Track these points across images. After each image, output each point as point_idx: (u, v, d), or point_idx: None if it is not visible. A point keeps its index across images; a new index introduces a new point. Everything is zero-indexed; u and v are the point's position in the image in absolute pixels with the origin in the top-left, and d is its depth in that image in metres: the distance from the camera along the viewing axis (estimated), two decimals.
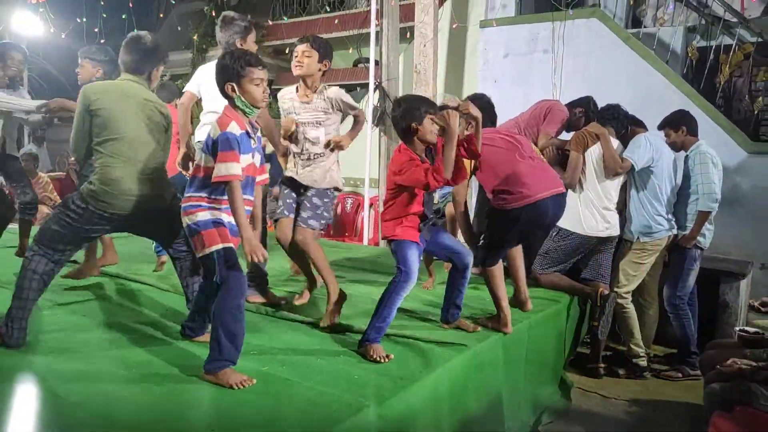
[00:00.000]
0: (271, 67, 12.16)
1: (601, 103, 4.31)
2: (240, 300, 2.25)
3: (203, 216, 2.30)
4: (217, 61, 2.41)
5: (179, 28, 10.08)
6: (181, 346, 2.61)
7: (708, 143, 4.09)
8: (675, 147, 4.14)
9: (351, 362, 2.49)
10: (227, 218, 2.32)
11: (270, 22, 10.42)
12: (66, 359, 2.38)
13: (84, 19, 8.35)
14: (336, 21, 9.09)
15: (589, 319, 3.97)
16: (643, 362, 4.03)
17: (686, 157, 4.10)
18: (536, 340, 3.34)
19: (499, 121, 4.38)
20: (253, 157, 2.36)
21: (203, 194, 2.32)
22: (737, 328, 3.40)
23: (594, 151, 3.92)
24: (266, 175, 2.56)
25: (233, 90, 2.30)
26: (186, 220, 2.32)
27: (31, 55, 10.07)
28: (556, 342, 3.69)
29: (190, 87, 3.63)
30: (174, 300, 3.31)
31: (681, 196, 4.13)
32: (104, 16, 8.45)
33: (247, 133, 2.31)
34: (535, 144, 4.34)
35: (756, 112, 5.53)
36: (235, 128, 2.24)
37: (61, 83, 10.61)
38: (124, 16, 8.45)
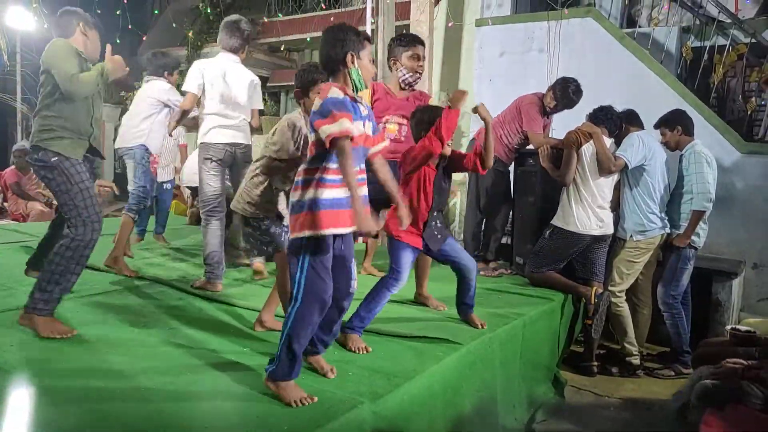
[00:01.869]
0: (266, 65, 12.14)
1: (595, 104, 4.31)
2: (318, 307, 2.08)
3: (328, 194, 2.08)
4: (326, 31, 2.23)
5: (174, 25, 10.03)
6: (180, 342, 2.60)
7: (701, 143, 4.11)
8: (670, 146, 4.16)
9: (345, 360, 2.49)
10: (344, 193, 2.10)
11: (265, 20, 10.40)
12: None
13: None
14: (332, 18, 9.07)
15: (583, 317, 3.98)
16: (636, 361, 4.05)
17: (681, 156, 4.12)
18: (530, 338, 3.35)
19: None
20: (364, 125, 2.18)
21: (320, 166, 2.10)
22: (729, 327, 3.43)
23: (588, 150, 3.94)
24: (385, 143, 2.37)
25: (352, 61, 2.16)
26: (296, 195, 2.12)
27: (24, 51, 10.03)
28: (550, 340, 3.70)
29: (191, 87, 3.58)
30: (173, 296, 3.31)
31: (675, 195, 4.15)
32: (98, 12, 8.39)
33: (354, 99, 2.17)
34: (520, 139, 4.38)
35: (749, 113, 5.55)
36: (336, 92, 2.08)
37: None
38: (118, 12, 8.40)
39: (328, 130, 2.01)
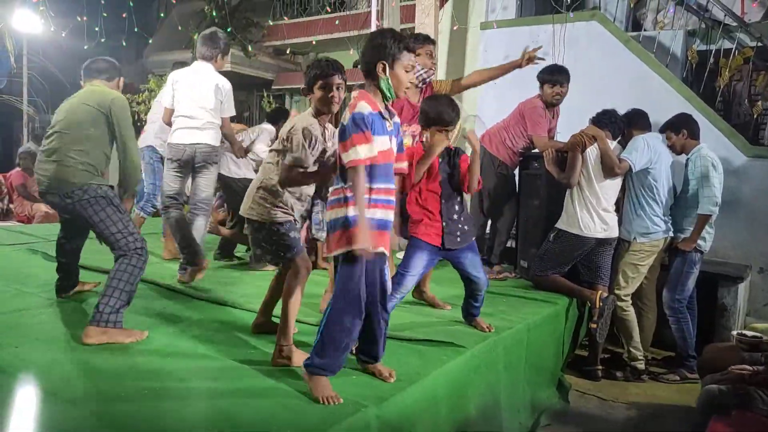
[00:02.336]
0: (270, 68, 12.17)
1: (600, 108, 4.30)
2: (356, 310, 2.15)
3: (350, 212, 2.11)
4: (371, 36, 2.27)
5: (180, 28, 10.08)
6: (183, 343, 2.60)
7: (707, 147, 4.10)
8: (676, 150, 4.15)
9: (349, 363, 2.48)
10: (381, 215, 2.17)
11: (270, 23, 10.43)
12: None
13: (84, 18, 8.35)
14: (336, 22, 9.11)
15: (588, 321, 3.97)
16: (641, 365, 4.03)
17: (687, 160, 4.10)
18: (535, 342, 3.34)
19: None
20: (390, 140, 2.20)
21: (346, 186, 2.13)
22: (735, 332, 3.40)
23: (592, 153, 3.93)
24: (405, 164, 2.42)
25: (383, 70, 2.15)
26: (330, 214, 2.17)
27: (30, 54, 10.09)
28: (555, 344, 3.69)
29: (165, 102, 3.86)
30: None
31: (681, 199, 4.14)
32: (104, 15, 8.45)
33: (381, 114, 2.17)
34: (525, 143, 4.38)
35: (755, 116, 5.53)
36: (364, 107, 2.09)
37: (61, 82, 10.60)
38: (124, 15, 8.44)
39: (344, 157, 2.08)
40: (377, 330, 2.32)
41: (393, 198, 2.22)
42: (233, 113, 3.94)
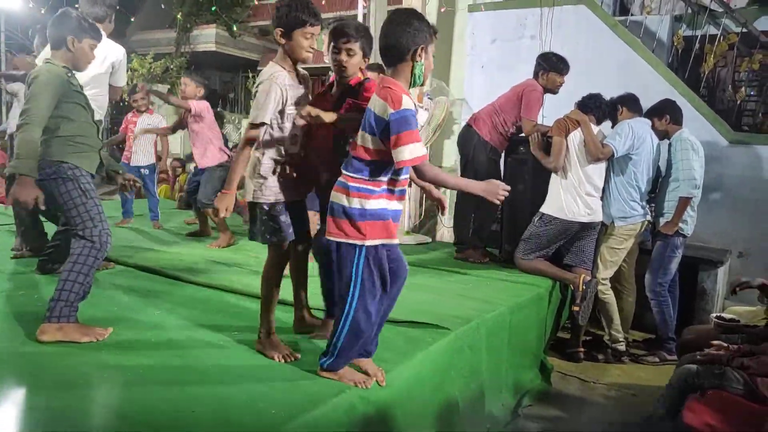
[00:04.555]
0: (256, 48, 12.02)
1: (586, 91, 4.32)
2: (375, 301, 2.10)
3: (375, 204, 2.06)
4: (397, 14, 2.11)
5: (163, 7, 9.89)
6: (168, 326, 2.60)
7: (690, 132, 4.14)
8: (659, 135, 4.18)
9: None
10: (397, 205, 2.13)
11: (256, 2, 10.28)
12: None
13: None
14: (323, 2, 8.98)
15: (570, 304, 4.02)
16: (622, 347, 4.10)
17: (669, 144, 4.15)
18: (518, 324, 3.37)
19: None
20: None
21: (366, 177, 2.05)
22: (714, 315, 3.46)
23: (576, 137, 3.95)
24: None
25: (418, 55, 2.04)
26: (345, 201, 2.05)
27: (8, 30, 9.86)
28: (537, 327, 3.73)
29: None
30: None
31: (664, 183, 4.19)
32: None
33: (415, 105, 2.09)
34: (516, 127, 4.38)
35: (738, 102, 5.58)
36: (409, 103, 1.98)
37: None
38: None
39: (401, 156, 1.96)
40: (382, 324, 2.28)
41: (405, 188, 2.18)
42: (122, 84, 3.70)
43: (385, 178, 2.08)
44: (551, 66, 4.31)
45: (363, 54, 2.42)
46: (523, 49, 5.96)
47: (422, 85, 2.19)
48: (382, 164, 2.05)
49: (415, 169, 2.03)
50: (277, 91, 2.26)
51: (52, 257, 3.25)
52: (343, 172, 2.09)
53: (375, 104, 2.02)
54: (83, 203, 2.49)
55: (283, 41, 2.30)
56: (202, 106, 4.59)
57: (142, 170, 5.36)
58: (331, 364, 2.12)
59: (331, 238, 2.08)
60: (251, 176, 2.36)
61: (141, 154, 5.40)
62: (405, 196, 2.21)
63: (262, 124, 2.26)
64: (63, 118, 2.51)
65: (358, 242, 2.05)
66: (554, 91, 4.39)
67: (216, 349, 2.40)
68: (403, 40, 2.03)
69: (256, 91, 2.29)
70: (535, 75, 4.40)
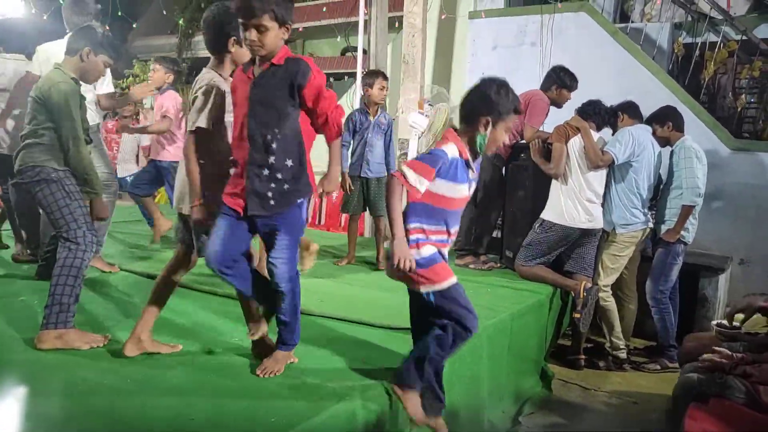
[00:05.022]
0: None
1: (587, 97, 4.33)
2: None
3: (428, 250, 2.14)
4: (482, 86, 2.16)
5: (165, 13, 9.93)
6: (165, 334, 2.59)
7: (691, 139, 4.14)
8: (660, 142, 4.18)
9: (336, 352, 2.49)
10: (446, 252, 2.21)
11: None
12: None
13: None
14: (324, 9, 9.02)
15: (571, 311, 4.01)
16: (623, 354, 4.09)
17: (671, 152, 4.14)
18: (518, 331, 3.36)
19: None
20: (469, 189, 2.21)
21: (422, 224, 2.13)
22: (715, 322, 3.45)
23: (576, 143, 3.96)
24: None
25: (485, 125, 2.10)
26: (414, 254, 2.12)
27: (11, 36, 9.87)
28: (538, 334, 3.72)
29: (35, 70, 3.47)
30: None
31: (665, 191, 4.18)
32: None
33: (467, 162, 2.15)
34: (520, 135, 4.38)
35: (739, 110, 5.59)
36: (452, 150, 2.06)
37: None
38: None
39: (406, 169, 2.06)
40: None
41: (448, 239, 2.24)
42: (108, 91, 3.66)
43: (432, 223, 2.15)
44: (565, 84, 4.39)
45: (280, 23, 2.04)
46: (523, 55, 5.98)
47: (489, 153, 2.25)
48: (432, 210, 2.12)
49: (388, 184, 2.11)
50: (217, 97, 2.19)
51: (50, 262, 3.23)
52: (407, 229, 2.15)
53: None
54: (66, 205, 2.48)
55: (233, 49, 2.26)
56: (167, 104, 4.25)
57: (128, 179, 5.36)
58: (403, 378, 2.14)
59: (422, 290, 2.16)
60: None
61: (125, 165, 5.39)
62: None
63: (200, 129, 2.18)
64: (50, 129, 2.51)
65: (436, 287, 2.15)
66: (559, 106, 4.46)
67: (215, 356, 2.39)
68: (475, 105, 2.12)
69: (195, 97, 2.20)
70: (546, 87, 4.43)
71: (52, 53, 3.37)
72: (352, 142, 4.24)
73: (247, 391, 2.08)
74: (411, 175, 2.06)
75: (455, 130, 2.18)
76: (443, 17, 6.95)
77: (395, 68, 6.60)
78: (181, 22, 10.65)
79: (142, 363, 2.26)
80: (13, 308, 2.82)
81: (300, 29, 9.99)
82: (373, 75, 4.26)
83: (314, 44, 11.15)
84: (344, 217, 7.79)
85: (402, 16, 6.35)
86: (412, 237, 2.12)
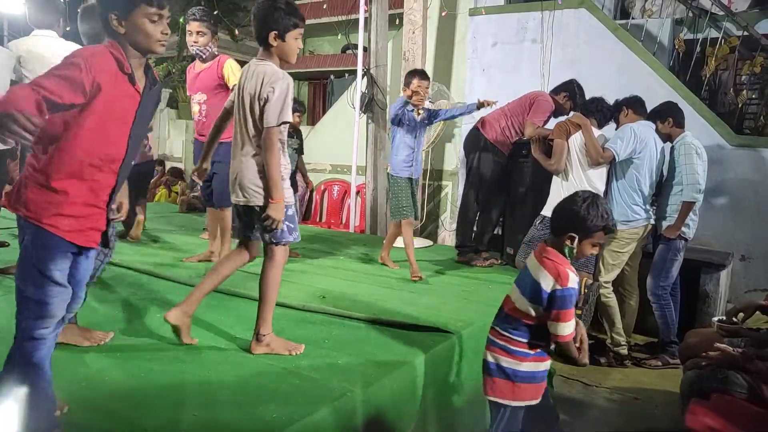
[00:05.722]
0: (257, 52, 12.05)
1: (588, 94, 4.33)
2: None
3: (527, 366, 2.16)
4: (572, 202, 2.22)
5: None
6: (167, 330, 2.60)
7: (692, 134, 4.13)
8: (661, 138, 4.17)
9: (336, 348, 2.49)
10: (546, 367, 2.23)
11: None
12: None
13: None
14: (324, 6, 8.99)
15: None
16: (624, 351, 4.09)
17: (672, 148, 4.14)
18: None
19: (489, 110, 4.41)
20: None
21: (524, 340, 2.15)
22: (716, 318, 3.45)
23: (577, 140, 3.95)
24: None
25: (573, 239, 2.13)
26: (503, 362, 2.17)
27: (11, 35, 9.86)
28: None
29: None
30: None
31: (666, 187, 4.17)
32: None
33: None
34: (522, 133, 4.37)
35: (740, 106, 5.58)
36: (574, 282, 2.10)
37: None
38: None
39: (561, 331, 2.07)
40: None
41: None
42: None
43: (541, 343, 2.14)
44: (575, 96, 4.39)
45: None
46: (524, 52, 5.97)
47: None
48: (540, 329, 2.12)
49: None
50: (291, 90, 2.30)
51: None
52: (500, 332, 2.18)
53: (540, 275, 2.09)
54: None
55: (275, 44, 2.33)
56: None
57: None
58: None
59: (488, 397, 2.18)
60: (256, 178, 2.33)
61: None
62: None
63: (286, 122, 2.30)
64: None
65: (505, 402, 2.14)
66: (562, 114, 4.44)
67: (216, 352, 2.39)
68: (564, 221, 2.18)
69: (272, 90, 2.26)
70: (557, 92, 4.44)
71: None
72: (397, 138, 3.98)
73: (248, 388, 2.08)
74: (568, 329, 2.09)
75: (546, 243, 2.23)
76: (443, 14, 6.94)
77: (396, 65, 6.60)
78: (181, 20, 10.63)
79: (143, 359, 2.27)
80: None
81: None
82: (409, 75, 3.98)
83: (315, 42, 11.13)
84: (345, 213, 7.81)
85: (402, 13, 6.34)
86: (519, 350, 2.15)
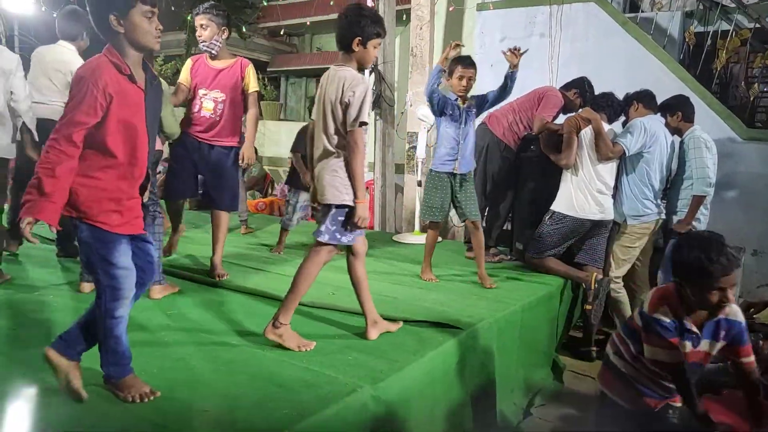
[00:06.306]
0: (266, 49, 12.05)
1: (597, 89, 4.30)
2: None
3: None
4: (699, 250, 2.43)
5: (173, 9, 9.95)
6: (176, 327, 2.61)
7: (703, 129, 4.09)
8: (671, 132, 4.15)
9: (347, 344, 2.50)
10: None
11: (265, 3, 10.30)
12: None
13: None
14: (332, 2, 8.99)
15: (582, 302, 3.99)
16: None
17: (681, 142, 4.11)
18: (529, 323, 3.36)
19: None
20: (698, 345, 2.39)
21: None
22: None
23: (587, 134, 3.93)
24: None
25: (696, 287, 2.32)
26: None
27: (21, 34, 9.95)
28: (549, 325, 3.72)
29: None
30: None
31: (676, 181, 4.14)
32: None
33: (686, 329, 2.35)
34: (530, 128, 4.36)
35: (752, 99, 5.52)
36: (666, 314, 2.30)
37: None
38: None
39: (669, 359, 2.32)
40: None
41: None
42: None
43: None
44: (585, 94, 4.37)
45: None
46: (532, 47, 5.89)
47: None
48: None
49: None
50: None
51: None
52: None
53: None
54: None
55: (357, 49, 2.48)
56: None
57: None
58: None
59: None
60: (334, 179, 2.44)
61: None
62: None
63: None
64: None
65: None
66: (571, 111, 4.41)
67: (226, 348, 2.41)
68: (687, 270, 2.35)
69: (352, 94, 2.40)
70: (567, 88, 4.43)
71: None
72: (441, 130, 3.76)
73: (258, 383, 2.09)
74: (676, 356, 2.31)
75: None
76: (451, 9, 6.92)
77: (403, 61, 6.59)
78: (189, 18, 10.66)
79: (152, 355, 2.28)
80: (15, 301, 2.85)
81: (308, 23, 9.97)
82: (453, 63, 3.78)
83: (322, 38, 11.14)
84: None
85: (410, 9, 6.33)
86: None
